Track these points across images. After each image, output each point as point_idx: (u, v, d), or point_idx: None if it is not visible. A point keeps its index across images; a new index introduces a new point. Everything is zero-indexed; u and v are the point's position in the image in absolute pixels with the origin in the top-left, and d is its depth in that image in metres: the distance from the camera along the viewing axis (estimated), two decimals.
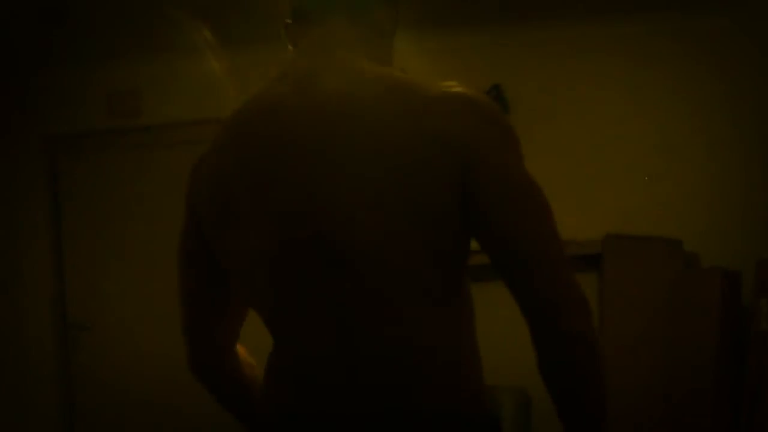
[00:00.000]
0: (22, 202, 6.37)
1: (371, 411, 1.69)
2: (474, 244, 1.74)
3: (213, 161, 1.85)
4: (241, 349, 2.21)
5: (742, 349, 5.08)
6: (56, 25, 5.29)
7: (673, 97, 5.90)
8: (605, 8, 5.71)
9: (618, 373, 5.27)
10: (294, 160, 1.71)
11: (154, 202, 6.33)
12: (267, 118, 1.78)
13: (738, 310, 5.21)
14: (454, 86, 1.72)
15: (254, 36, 5.84)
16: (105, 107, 6.32)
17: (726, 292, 5.12)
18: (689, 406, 5.03)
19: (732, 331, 5.10)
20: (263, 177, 1.74)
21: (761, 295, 5.02)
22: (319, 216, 1.68)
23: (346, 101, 1.71)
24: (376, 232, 1.66)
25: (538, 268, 1.65)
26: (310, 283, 1.72)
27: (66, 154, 6.49)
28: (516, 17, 5.80)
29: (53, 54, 5.97)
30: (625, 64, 5.95)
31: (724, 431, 4.99)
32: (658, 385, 5.14)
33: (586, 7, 5.70)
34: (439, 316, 1.73)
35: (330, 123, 1.70)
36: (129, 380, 6.24)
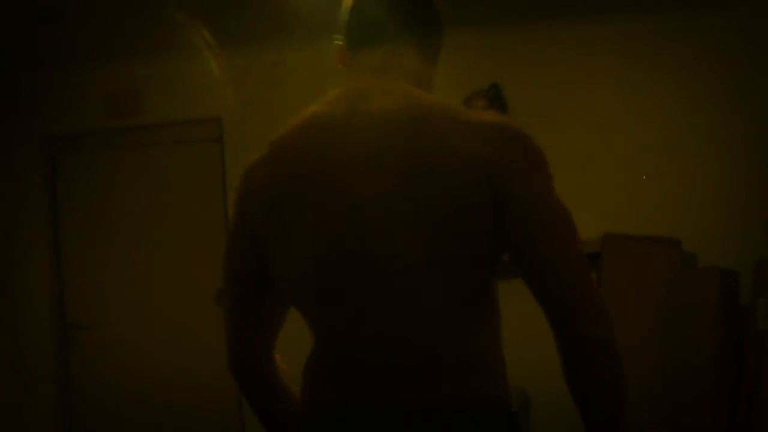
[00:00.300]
0: (21, 202, 6.36)
1: (406, 405, 1.81)
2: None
3: (266, 173, 1.97)
4: (276, 356, 2.29)
5: (740, 349, 5.08)
6: (54, 25, 5.28)
7: (672, 96, 5.91)
8: (603, 7, 5.71)
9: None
10: (342, 177, 1.84)
11: (152, 202, 6.33)
12: (320, 137, 1.92)
13: (736, 310, 5.21)
14: (490, 115, 1.88)
15: (252, 35, 5.85)
16: (104, 107, 6.32)
17: (724, 291, 5.12)
18: (688, 405, 5.03)
19: (730, 331, 5.10)
20: (313, 190, 1.86)
21: (759, 294, 5.02)
22: (363, 229, 1.81)
23: (393, 124, 1.84)
24: (413, 244, 1.79)
25: (564, 283, 1.80)
26: (351, 285, 1.84)
27: (65, 154, 6.49)
28: (514, 16, 5.81)
29: (52, 54, 5.97)
30: (624, 63, 5.95)
31: (723, 430, 4.99)
32: (657, 384, 5.14)
33: (584, 7, 5.71)
34: (468, 318, 1.86)
35: (376, 144, 1.84)
36: (127, 379, 6.25)
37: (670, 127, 5.90)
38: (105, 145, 6.47)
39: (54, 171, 6.48)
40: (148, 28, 5.53)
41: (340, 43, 2.13)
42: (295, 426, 2.05)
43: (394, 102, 1.88)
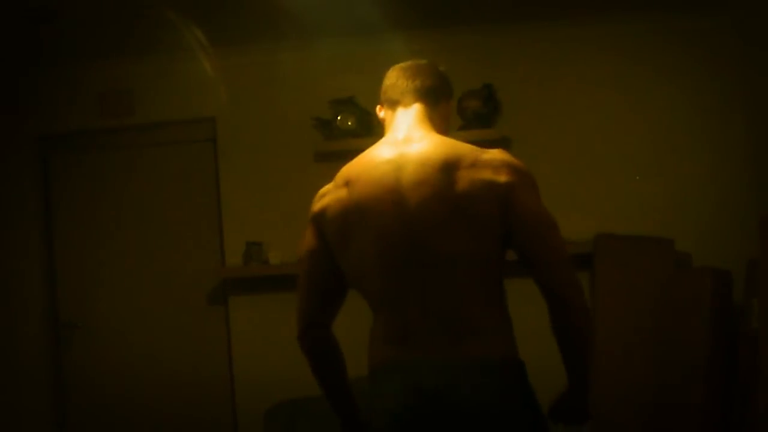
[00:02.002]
0: (14, 201, 6.35)
1: (448, 358, 2.65)
2: None
3: (338, 196, 2.82)
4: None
5: (732, 349, 5.09)
6: (48, 25, 5.28)
7: (665, 97, 5.92)
8: (597, 7, 5.72)
9: (609, 372, 5.27)
10: (395, 196, 2.70)
11: (145, 202, 6.33)
12: (379, 170, 2.76)
13: (729, 310, 5.22)
14: (498, 152, 2.76)
15: (245, 36, 5.85)
16: (97, 107, 6.31)
17: (717, 291, 5.12)
18: (680, 405, 5.04)
19: (723, 331, 5.11)
20: (377, 208, 2.72)
21: (752, 294, 5.03)
22: (412, 232, 2.68)
23: (433, 161, 2.71)
24: (448, 242, 2.67)
25: (554, 267, 2.71)
26: (406, 276, 2.70)
27: (58, 153, 6.49)
28: (508, 17, 5.81)
29: (45, 54, 5.96)
30: (616, 64, 5.96)
31: (715, 430, 5.00)
32: (649, 383, 5.15)
33: (577, 7, 5.71)
34: (492, 298, 2.75)
35: (423, 175, 2.70)
36: (120, 378, 6.25)
37: (663, 128, 5.90)
38: (98, 144, 6.46)
39: (47, 170, 6.47)
40: (142, 28, 5.53)
41: (382, 106, 3.05)
42: (346, 383, 3.08)
43: (432, 144, 2.78)
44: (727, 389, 5.04)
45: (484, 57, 5.96)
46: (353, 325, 3.28)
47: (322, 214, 2.85)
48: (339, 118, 5.89)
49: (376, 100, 5.41)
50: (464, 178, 2.67)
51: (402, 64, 3.11)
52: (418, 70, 3.07)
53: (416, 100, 2.96)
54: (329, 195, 2.86)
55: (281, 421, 5.47)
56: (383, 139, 2.91)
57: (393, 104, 2.99)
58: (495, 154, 2.74)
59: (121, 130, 6.39)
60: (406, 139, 2.82)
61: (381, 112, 3.06)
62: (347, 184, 2.80)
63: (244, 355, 6.14)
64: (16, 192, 6.36)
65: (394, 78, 3.04)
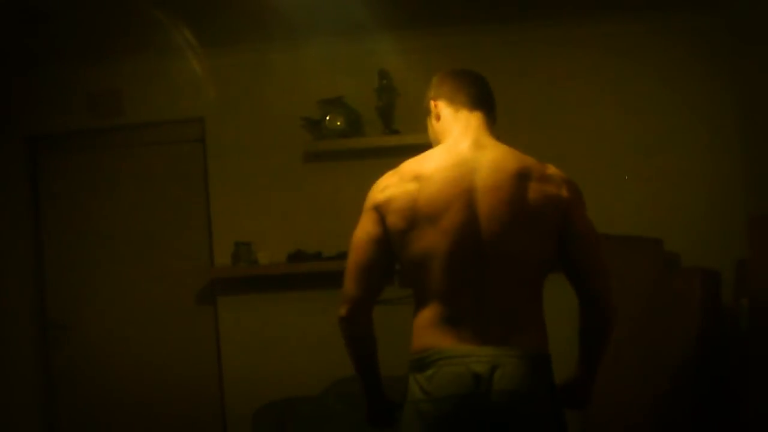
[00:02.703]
0: (3, 202, 6.34)
1: (494, 350, 2.86)
2: None
3: (405, 189, 3.00)
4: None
5: (722, 349, 5.09)
6: (36, 26, 5.27)
7: (655, 96, 5.92)
8: (591, 7, 5.72)
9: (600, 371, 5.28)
10: (469, 196, 2.92)
11: (134, 202, 6.33)
12: (455, 167, 2.98)
13: (718, 310, 5.23)
14: (556, 169, 3.14)
15: (234, 36, 5.85)
16: (86, 107, 6.30)
17: (706, 291, 5.14)
18: (669, 405, 5.04)
19: (712, 331, 5.12)
20: (445, 204, 2.92)
21: (741, 294, 5.04)
22: (480, 231, 2.90)
23: (506, 169, 2.97)
24: (512, 244, 2.91)
25: (599, 276, 3.08)
26: (467, 268, 2.91)
27: (47, 154, 6.47)
28: (498, 17, 5.81)
29: (34, 54, 5.94)
30: (606, 64, 5.97)
31: (705, 430, 5.01)
32: (638, 383, 5.15)
33: (571, 6, 5.71)
34: (536, 294, 3.03)
35: (493, 178, 2.94)
36: (109, 379, 6.24)
37: (653, 128, 5.91)
38: (87, 145, 6.44)
39: (36, 171, 6.46)
40: (131, 29, 5.52)
41: (438, 100, 3.26)
42: (377, 365, 3.24)
43: (504, 153, 3.05)
44: (716, 390, 5.05)
45: (473, 57, 5.91)
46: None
47: (386, 203, 3.03)
48: (328, 118, 5.89)
49: (366, 100, 5.43)
50: (533, 189, 2.97)
51: (459, 70, 3.38)
52: (478, 79, 3.36)
53: (479, 107, 3.24)
54: (394, 187, 3.03)
55: (270, 422, 5.47)
56: (454, 140, 3.14)
57: (455, 105, 3.23)
58: (556, 171, 3.12)
59: (110, 131, 6.38)
60: (478, 145, 3.08)
61: (437, 108, 3.26)
62: (418, 179, 2.99)
63: (233, 356, 6.14)
64: (5, 192, 6.35)
65: (457, 81, 3.29)
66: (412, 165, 3.07)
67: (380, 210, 3.05)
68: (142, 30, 5.49)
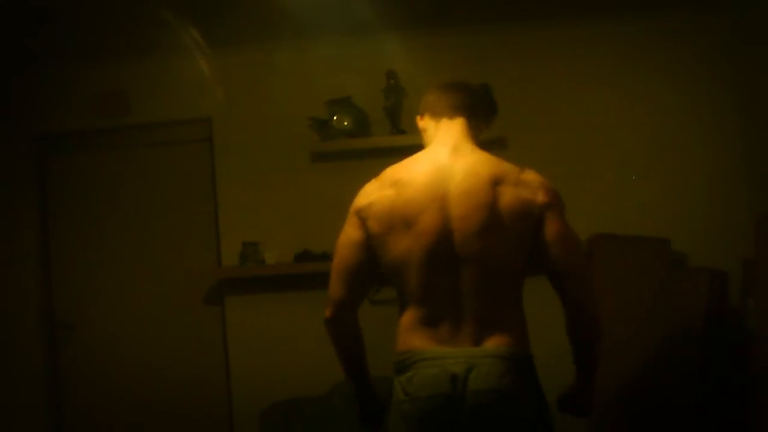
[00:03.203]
0: (10, 202, 6.35)
1: (470, 351, 2.98)
2: None
3: (386, 194, 3.12)
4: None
5: (728, 349, 5.09)
6: (43, 26, 5.27)
7: (660, 96, 5.91)
8: (594, 7, 5.71)
9: (604, 371, 5.27)
10: (443, 202, 3.02)
11: (142, 202, 6.33)
12: (432, 173, 3.09)
13: (725, 310, 5.22)
14: (534, 174, 3.16)
15: (241, 36, 5.85)
16: (93, 107, 6.30)
17: (713, 291, 5.13)
18: (675, 405, 5.04)
19: (719, 331, 5.11)
20: (419, 209, 3.03)
21: (748, 294, 5.03)
22: (453, 235, 3.00)
23: (478, 173, 3.07)
24: (485, 248, 2.99)
25: (579, 280, 3.06)
26: (441, 272, 3.01)
27: (54, 154, 6.48)
28: (503, 17, 5.81)
29: (41, 54, 5.95)
30: (612, 64, 5.96)
31: (710, 430, 5.00)
32: (644, 383, 5.15)
33: (574, 7, 5.71)
34: (513, 295, 3.12)
35: (466, 183, 3.04)
36: (116, 379, 6.24)
37: (660, 128, 5.90)
38: (94, 145, 6.45)
39: (43, 171, 6.46)
40: (138, 29, 5.52)
41: (424, 115, 3.40)
42: (366, 365, 3.39)
43: (479, 159, 3.14)
44: (723, 389, 5.05)
45: (479, 57, 5.96)
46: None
47: (367, 208, 3.16)
48: (335, 118, 5.89)
49: (373, 100, 5.45)
50: (507, 194, 3.04)
51: (444, 83, 3.47)
52: (461, 87, 3.43)
53: (459, 114, 3.33)
54: (375, 193, 3.16)
55: (277, 422, 5.47)
56: (432, 147, 3.27)
57: (437, 115, 3.35)
58: (533, 176, 3.15)
59: (117, 131, 6.38)
60: (455, 151, 3.18)
61: (422, 122, 3.42)
62: (396, 185, 3.11)
63: (241, 356, 6.14)
64: (12, 192, 6.36)
65: (438, 93, 3.40)
66: (392, 171, 3.20)
67: (361, 215, 3.18)
68: (149, 30, 5.50)
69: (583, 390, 3.27)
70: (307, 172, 5.99)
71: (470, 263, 3.00)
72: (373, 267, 3.21)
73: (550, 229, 3.06)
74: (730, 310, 5.26)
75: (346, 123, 5.88)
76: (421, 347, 3.04)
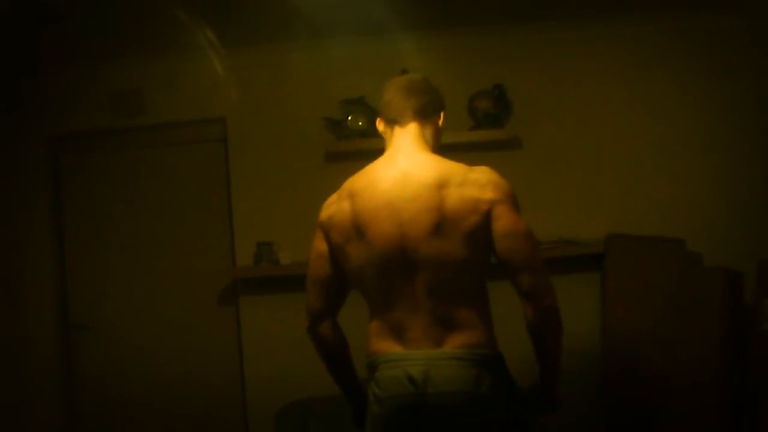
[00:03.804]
0: (25, 202, 6.36)
1: (428, 353, 3.04)
2: None
3: (343, 206, 3.20)
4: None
5: (744, 349, 5.08)
6: (58, 25, 5.28)
7: (676, 96, 5.91)
8: (607, 8, 5.71)
9: (620, 372, 5.27)
10: (392, 210, 3.08)
11: (156, 202, 6.33)
12: (381, 184, 3.15)
13: (740, 310, 5.21)
14: (484, 171, 3.15)
15: (256, 36, 5.85)
16: (108, 107, 6.31)
17: (729, 291, 5.12)
18: (692, 405, 5.03)
19: (734, 331, 5.10)
20: (377, 217, 3.10)
21: (764, 294, 5.02)
22: (403, 240, 3.05)
23: (423, 178, 3.10)
24: (436, 250, 3.03)
25: (530, 272, 3.03)
26: (398, 277, 3.08)
27: (69, 154, 6.49)
28: (518, 17, 5.81)
29: (56, 54, 5.96)
30: (627, 64, 5.95)
31: (727, 430, 4.99)
32: (660, 384, 5.14)
33: (587, 8, 5.70)
34: (474, 295, 3.13)
35: (412, 189, 3.09)
36: (131, 380, 6.25)
37: (674, 127, 5.89)
38: (109, 145, 6.46)
39: (58, 171, 6.47)
40: (152, 28, 5.53)
41: (381, 118, 3.42)
42: (352, 367, 3.47)
43: (425, 164, 3.17)
44: (739, 389, 5.04)
45: (494, 57, 5.96)
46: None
47: (328, 221, 3.26)
48: (350, 118, 5.90)
49: None
50: (452, 195, 3.06)
51: (398, 80, 3.47)
52: (413, 87, 3.39)
53: (412, 119, 3.32)
54: (334, 205, 3.27)
55: (292, 422, 5.47)
56: (384, 157, 3.32)
57: (391, 122, 3.36)
58: (481, 174, 3.14)
59: (131, 130, 6.39)
60: (406, 158, 3.22)
61: (380, 126, 3.44)
62: (351, 196, 3.20)
63: (255, 356, 6.14)
64: (27, 192, 6.37)
65: (391, 96, 3.39)
66: (349, 183, 3.29)
67: (324, 227, 3.29)
68: (164, 30, 5.50)
69: (547, 386, 3.24)
70: (322, 171, 5.98)
71: (424, 267, 3.06)
72: (343, 277, 3.30)
73: (499, 223, 3.06)
74: (746, 310, 5.25)
75: (360, 123, 5.89)
76: (385, 350, 3.14)
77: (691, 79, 5.90)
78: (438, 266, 3.05)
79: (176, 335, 6.28)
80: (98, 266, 6.39)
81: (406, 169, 3.16)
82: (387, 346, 3.13)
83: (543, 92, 5.94)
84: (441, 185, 3.07)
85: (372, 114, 5.87)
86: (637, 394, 5.20)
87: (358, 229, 3.13)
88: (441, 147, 3.41)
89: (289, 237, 5.99)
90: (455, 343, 3.05)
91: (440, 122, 3.44)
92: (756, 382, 4.91)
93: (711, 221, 5.73)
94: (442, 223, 3.03)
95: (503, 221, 3.06)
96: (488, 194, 3.07)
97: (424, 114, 3.34)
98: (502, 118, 5.83)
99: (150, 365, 6.24)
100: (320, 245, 3.31)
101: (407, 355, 3.07)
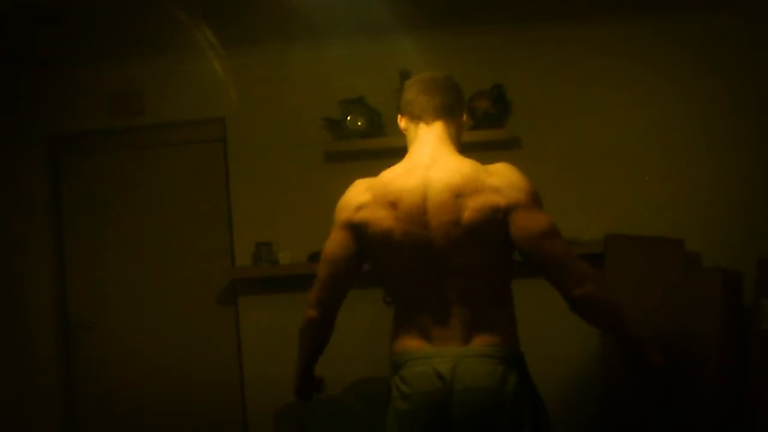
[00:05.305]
0: (24, 202, 6.36)
1: (456, 350, 3.10)
2: None
3: (381, 214, 3.17)
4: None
5: (743, 349, 5.08)
6: (57, 25, 5.28)
7: (675, 97, 5.91)
8: (607, 8, 5.72)
9: (618, 371, 5.27)
10: (424, 218, 3.10)
11: (155, 202, 6.34)
12: (408, 184, 3.15)
13: (739, 310, 5.21)
14: (503, 172, 3.14)
15: (255, 36, 5.85)
16: (107, 107, 6.32)
17: (727, 291, 5.11)
18: (690, 405, 5.03)
19: (733, 331, 5.10)
20: (410, 227, 3.11)
21: (762, 294, 5.02)
22: (434, 250, 3.10)
23: (447, 186, 3.10)
24: (462, 257, 3.08)
25: (561, 269, 3.04)
26: (430, 284, 3.14)
27: (68, 154, 6.49)
28: (517, 17, 5.81)
29: (54, 54, 5.97)
30: (627, 65, 5.95)
31: (726, 430, 4.99)
32: (659, 384, 5.14)
33: (587, 8, 5.70)
34: (500, 296, 3.20)
35: (439, 199, 3.09)
36: (130, 380, 6.26)
37: (673, 128, 5.90)
38: (108, 145, 6.46)
39: (57, 171, 6.48)
40: (152, 29, 5.53)
41: (403, 115, 3.40)
42: (319, 356, 3.62)
43: (450, 170, 3.14)
44: (738, 390, 5.04)
45: (494, 57, 5.96)
46: None
47: (363, 225, 3.22)
48: (349, 118, 5.90)
49: (386, 100, 5.43)
50: (472, 202, 3.07)
51: (422, 77, 3.41)
52: (438, 86, 3.36)
53: (438, 118, 3.31)
54: (369, 209, 3.22)
55: (291, 422, 5.47)
56: (413, 156, 3.30)
57: (415, 119, 3.35)
58: (498, 177, 3.13)
59: (130, 130, 6.40)
60: (434, 161, 3.21)
61: (402, 122, 3.42)
62: (392, 205, 3.16)
63: (254, 356, 6.14)
64: (26, 192, 6.38)
65: (416, 93, 3.36)
66: (385, 187, 3.22)
67: (356, 230, 3.25)
68: (163, 30, 5.51)
69: (636, 348, 3.24)
70: (321, 172, 5.99)
71: (452, 273, 3.11)
72: (359, 273, 3.36)
73: (519, 231, 3.07)
74: (745, 311, 5.25)
75: (359, 123, 5.89)
76: (412, 347, 3.18)
77: (690, 79, 5.90)
78: (465, 273, 3.11)
79: (175, 335, 6.29)
80: (97, 266, 6.40)
81: (434, 176, 3.15)
82: (415, 345, 3.18)
83: (542, 92, 5.95)
84: (461, 193, 3.08)
85: (371, 114, 5.88)
86: (635, 393, 5.20)
87: (397, 237, 3.14)
88: None
89: (288, 237, 6.00)
90: (482, 341, 3.10)
91: (464, 121, 3.44)
92: (755, 382, 4.91)
93: (710, 221, 5.74)
94: (466, 231, 3.06)
95: (522, 230, 3.07)
96: (504, 201, 3.07)
97: (450, 112, 3.34)
98: (501, 118, 5.83)
99: (149, 365, 6.25)
100: (347, 245, 3.30)
101: (435, 352, 3.12)
